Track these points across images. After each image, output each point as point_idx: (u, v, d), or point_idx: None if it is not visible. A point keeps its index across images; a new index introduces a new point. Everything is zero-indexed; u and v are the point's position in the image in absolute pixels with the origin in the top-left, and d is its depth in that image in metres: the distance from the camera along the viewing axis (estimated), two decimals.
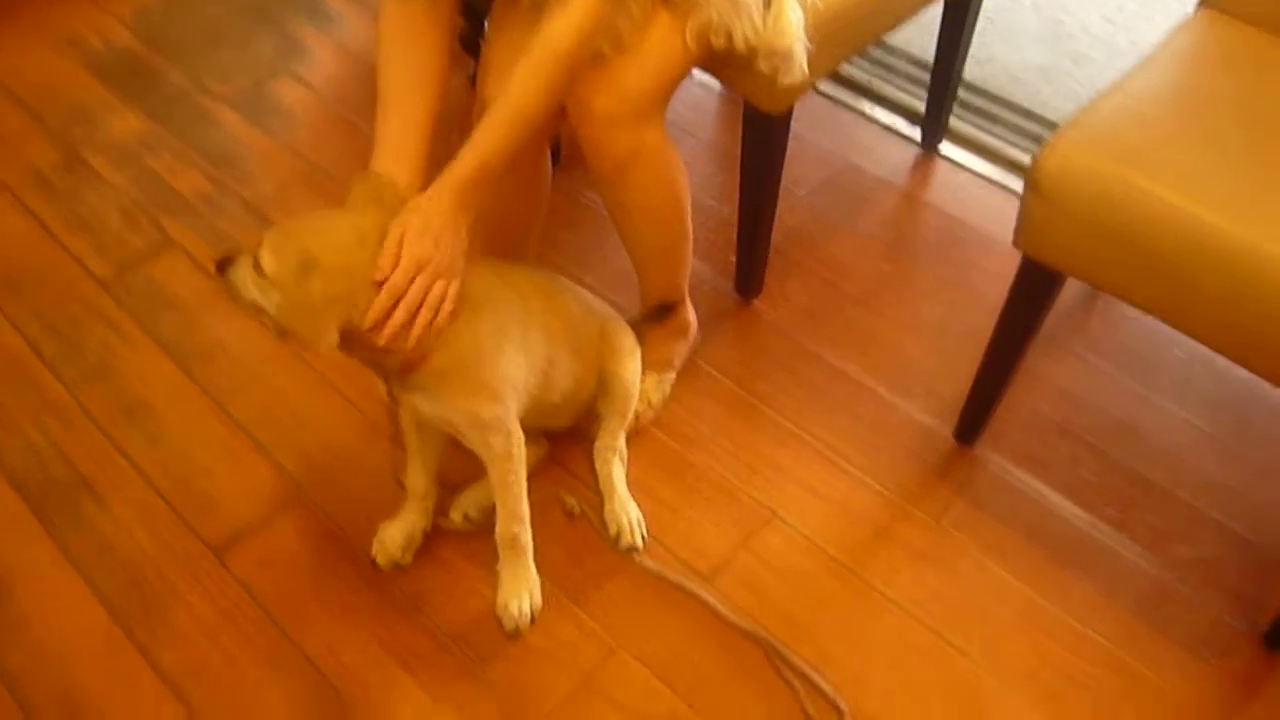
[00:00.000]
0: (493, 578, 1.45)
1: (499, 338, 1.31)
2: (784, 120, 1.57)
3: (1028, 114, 2.24)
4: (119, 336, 1.80)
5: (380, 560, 1.49)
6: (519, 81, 1.24)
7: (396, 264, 1.19)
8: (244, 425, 1.67)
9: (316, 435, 1.66)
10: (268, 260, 1.18)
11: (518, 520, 1.41)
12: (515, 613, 1.42)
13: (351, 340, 1.21)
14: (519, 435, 1.36)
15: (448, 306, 1.23)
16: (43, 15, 2.45)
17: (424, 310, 1.21)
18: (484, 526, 1.49)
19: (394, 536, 1.49)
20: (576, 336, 1.47)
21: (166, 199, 2.03)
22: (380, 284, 1.19)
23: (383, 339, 1.20)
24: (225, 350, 1.78)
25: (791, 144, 1.69)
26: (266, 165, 2.10)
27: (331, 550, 1.52)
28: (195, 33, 2.41)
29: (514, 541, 1.41)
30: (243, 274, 1.22)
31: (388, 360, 1.25)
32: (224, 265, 1.25)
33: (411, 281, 1.19)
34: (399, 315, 1.19)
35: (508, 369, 1.30)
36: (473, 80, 1.52)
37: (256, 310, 1.24)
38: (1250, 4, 1.47)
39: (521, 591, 1.43)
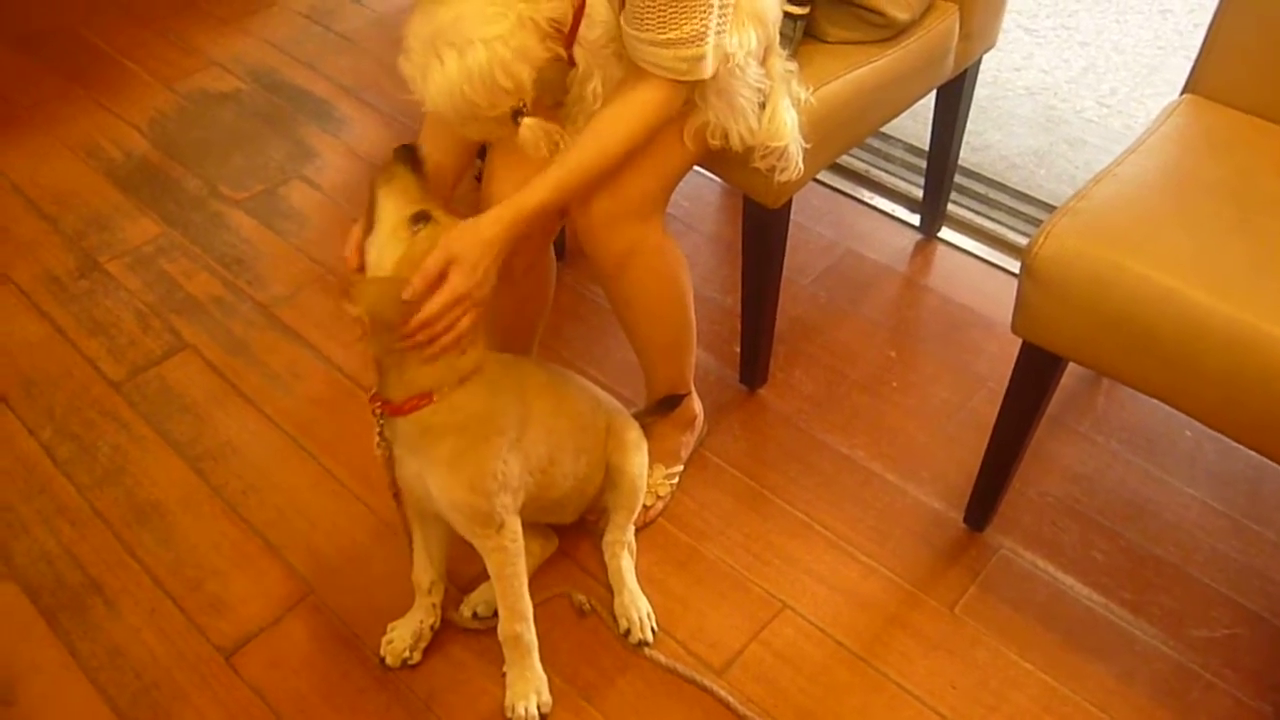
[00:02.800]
0: (503, 676, 1.44)
1: (488, 429, 1.30)
2: (783, 213, 1.61)
3: (1025, 198, 2.27)
4: (131, 439, 1.82)
5: (389, 659, 1.48)
6: (602, 129, 1.28)
7: (431, 284, 1.19)
8: (255, 526, 1.68)
9: (327, 535, 1.66)
10: (422, 241, 1.18)
11: (519, 618, 1.40)
12: (523, 713, 1.40)
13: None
14: (514, 530, 1.36)
15: (465, 340, 1.24)
16: (61, 123, 2.52)
17: (445, 337, 1.21)
18: (494, 625, 1.48)
19: (402, 635, 1.48)
20: (582, 435, 1.48)
21: (180, 302, 2.07)
22: (411, 302, 1.19)
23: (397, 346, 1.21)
24: (236, 451, 1.79)
25: (792, 233, 1.72)
26: (278, 268, 2.14)
27: (342, 651, 1.52)
28: (209, 140, 2.48)
29: (517, 640, 1.41)
30: (397, 199, 1.20)
31: (390, 378, 1.24)
32: (411, 160, 1.21)
33: (445, 310, 1.20)
34: (421, 337, 1.20)
35: (492, 463, 1.30)
36: (478, 178, 1.56)
37: (367, 211, 1.22)
38: (1232, 89, 1.51)
39: (528, 691, 1.41)
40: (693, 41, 1.21)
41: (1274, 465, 1.72)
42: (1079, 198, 1.33)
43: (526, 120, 1.25)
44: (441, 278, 1.20)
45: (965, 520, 1.66)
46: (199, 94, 2.62)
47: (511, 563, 1.37)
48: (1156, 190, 1.34)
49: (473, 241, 1.22)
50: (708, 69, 1.26)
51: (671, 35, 1.20)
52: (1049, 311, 1.31)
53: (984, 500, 1.62)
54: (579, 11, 1.25)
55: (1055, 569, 1.61)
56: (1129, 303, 1.23)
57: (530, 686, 1.42)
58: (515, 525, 1.36)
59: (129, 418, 1.85)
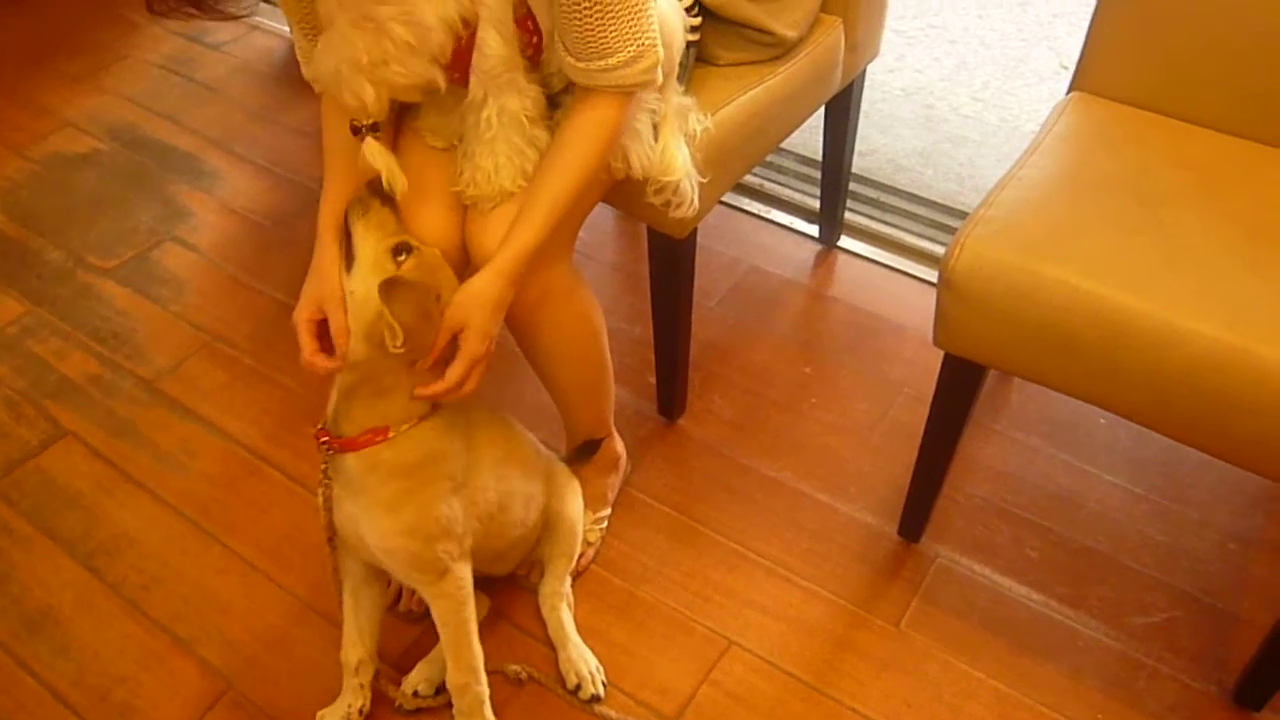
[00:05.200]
0: None
1: (435, 471, 1.25)
2: (690, 242, 1.57)
3: (916, 199, 2.29)
4: (13, 540, 1.68)
5: None
6: (567, 156, 1.25)
7: (441, 354, 1.21)
8: (161, 622, 1.56)
9: (241, 623, 1.56)
10: (410, 271, 1.18)
11: (467, 669, 1.34)
12: None
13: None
14: (459, 578, 1.30)
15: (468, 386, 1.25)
16: None
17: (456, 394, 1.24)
18: (436, 703, 1.42)
19: None
20: (530, 483, 1.44)
21: (54, 385, 1.92)
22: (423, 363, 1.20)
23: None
24: (132, 542, 1.67)
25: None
26: (159, 338, 2.01)
27: None
28: (69, 206, 2.33)
29: (464, 690, 1.34)
30: (375, 232, 1.20)
31: (354, 408, 1.22)
32: (382, 193, 1.21)
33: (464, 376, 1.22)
34: (439, 391, 1.22)
35: (435, 507, 1.25)
36: None
37: (345, 246, 1.23)
38: (1117, 84, 1.53)
39: None
40: (648, 51, 1.19)
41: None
42: (987, 205, 1.32)
43: (369, 140, 1.21)
44: (451, 343, 1.22)
45: (900, 532, 1.65)
46: (54, 158, 2.47)
47: (456, 611, 1.31)
48: (1060, 192, 1.34)
49: (479, 306, 1.22)
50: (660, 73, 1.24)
51: (627, 54, 1.18)
52: (969, 323, 1.30)
53: (916, 511, 1.61)
54: (469, 41, 1.19)
55: (992, 572, 1.61)
56: (1049, 309, 1.22)
57: None
58: (461, 572, 1.30)
59: (7, 517, 1.71)
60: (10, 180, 2.40)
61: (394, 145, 1.36)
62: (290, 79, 2.72)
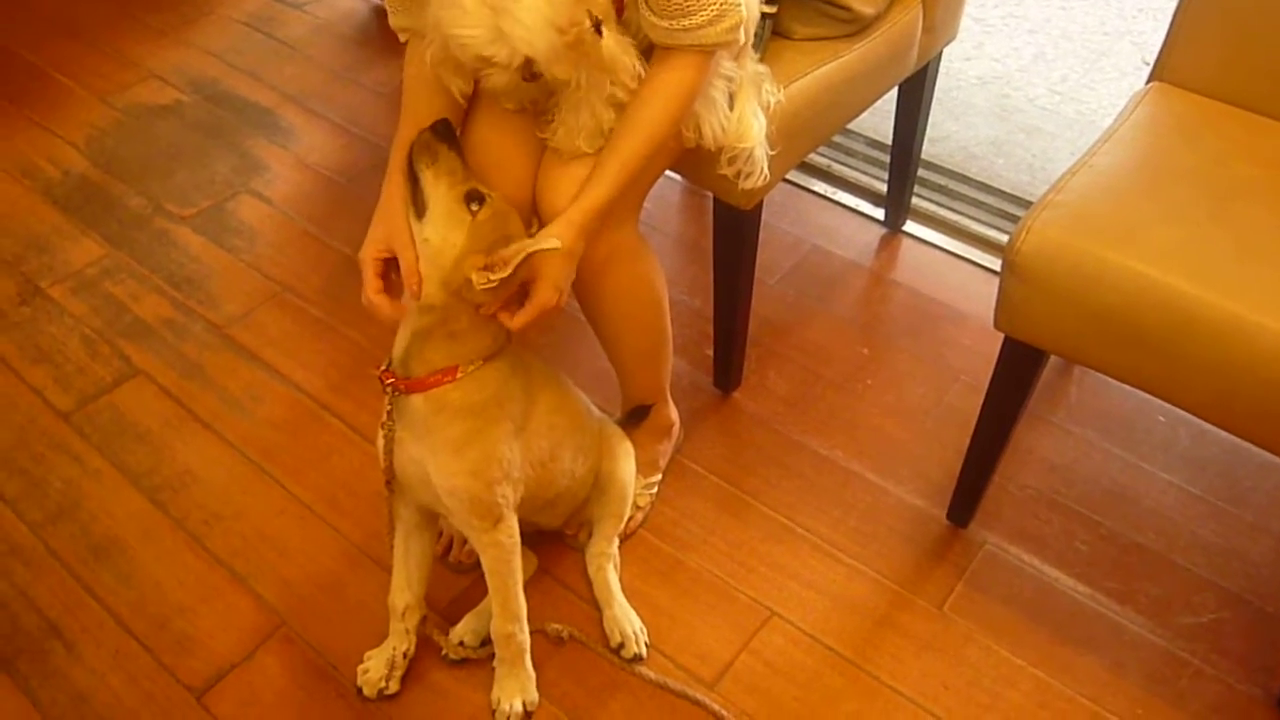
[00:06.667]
0: (488, 704, 1.41)
1: (499, 412, 1.28)
2: (755, 214, 1.58)
3: (986, 188, 2.27)
4: (84, 472, 1.74)
5: (366, 690, 1.43)
6: (646, 113, 1.26)
7: (504, 296, 1.22)
8: (220, 557, 1.61)
9: (297, 564, 1.60)
10: (484, 225, 1.18)
11: (513, 618, 1.37)
12: (507, 710, 1.39)
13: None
14: (511, 527, 1.33)
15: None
16: None
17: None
18: (481, 655, 1.45)
19: (377, 665, 1.44)
20: (581, 435, 1.46)
21: (129, 326, 1.99)
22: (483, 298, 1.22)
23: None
24: (197, 479, 1.72)
25: None
26: (231, 286, 2.07)
27: (319, 684, 1.46)
28: (150, 155, 2.39)
29: (509, 640, 1.38)
30: (446, 179, 1.20)
31: (428, 349, 1.24)
32: (449, 137, 1.22)
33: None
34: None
35: (498, 447, 1.27)
36: None
37: (412, 192, 1.22)
38: (1199, 75, 1.51)
39: (515, 691, 1.40)
40: (731, 11, 1.20)
41: (1247, 447, 1.73)
42: (1056, 190, 1.31)
43: (608, 32, 1.20)
44: (522, 288, 1.23)
45: (948, 517, 1.65)
46: (138, 108, 2.53)
47: (506, 560, 1.34)
48: (1133, 180, 1.33)
49: (553, 255, 1.23)
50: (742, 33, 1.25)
51: (710, 13, 1.19)
52: (1032, 306, 1.29)
53: (967, 497, 1.60)
54: None
55: (1040, 562, 1.60)
56: (1114, 295, 1.21)
57: (518, 685, 1.40)
58: (512, 521, 1.33)
59: (80, 449, 1.78)
60: (95, 127, 2.47)
61: (469, 109, 1.38)
62: (370, 40, 2.76)
